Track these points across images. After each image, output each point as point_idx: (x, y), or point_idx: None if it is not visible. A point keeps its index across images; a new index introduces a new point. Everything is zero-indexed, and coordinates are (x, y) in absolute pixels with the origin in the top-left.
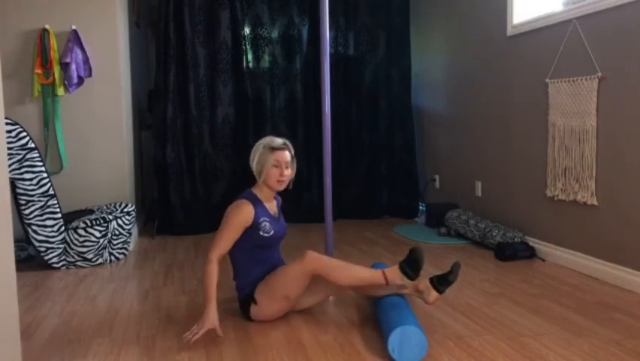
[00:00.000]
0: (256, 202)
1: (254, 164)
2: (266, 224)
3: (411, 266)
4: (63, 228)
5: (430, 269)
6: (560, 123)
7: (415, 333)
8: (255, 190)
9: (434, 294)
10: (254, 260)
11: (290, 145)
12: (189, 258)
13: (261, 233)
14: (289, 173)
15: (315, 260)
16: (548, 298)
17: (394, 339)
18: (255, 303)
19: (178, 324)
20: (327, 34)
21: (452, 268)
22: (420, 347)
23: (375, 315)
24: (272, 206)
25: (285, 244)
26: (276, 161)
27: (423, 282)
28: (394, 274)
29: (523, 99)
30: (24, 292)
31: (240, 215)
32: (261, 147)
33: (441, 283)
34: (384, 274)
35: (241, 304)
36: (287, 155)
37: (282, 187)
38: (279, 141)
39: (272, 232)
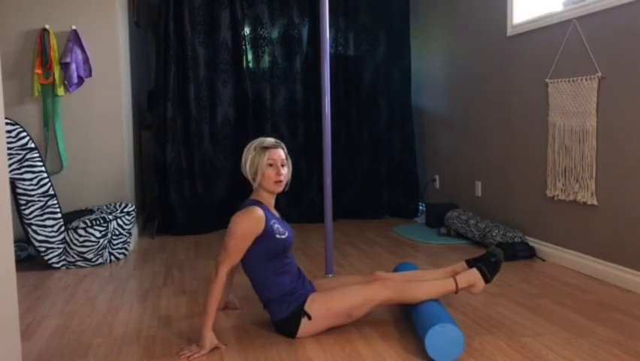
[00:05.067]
0: (263, 207)
1: (247, 167)
2: (278, 226)
3: (490, 268)
4: (63, 228)
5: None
6: (560, 123)
7: (459, 342)
8: (256, 197)
9: (481, 285)
10: (279, 270)
11: (282, 144)
12: (189, 258)
13: (277, 236)
14: (286, 172)
15: (391, 289)
16: (548, 298)
17: (440, 329)
18: (310, 318)
19: (178, 324)
20: (327, 34)
21: (493, 253)
22: (453, 352)
23: (405, 308)
24: (275, 212)
25: None
26: (270, 160)
27: (471, 272)
28: (468, 277)
29: (523, 99)
30: (24, 292)
31: (252, 220)
32: (252, 149)
33: (491, 271)
34: (455, 281)
35: (284, 323)
36: (281, 152)
37: (280, 188)
38: (270, 140)
39: (286, 233)
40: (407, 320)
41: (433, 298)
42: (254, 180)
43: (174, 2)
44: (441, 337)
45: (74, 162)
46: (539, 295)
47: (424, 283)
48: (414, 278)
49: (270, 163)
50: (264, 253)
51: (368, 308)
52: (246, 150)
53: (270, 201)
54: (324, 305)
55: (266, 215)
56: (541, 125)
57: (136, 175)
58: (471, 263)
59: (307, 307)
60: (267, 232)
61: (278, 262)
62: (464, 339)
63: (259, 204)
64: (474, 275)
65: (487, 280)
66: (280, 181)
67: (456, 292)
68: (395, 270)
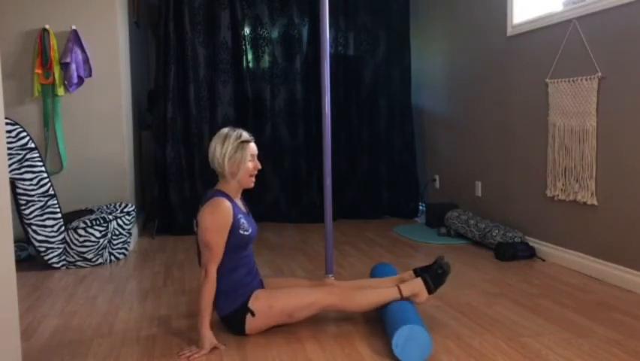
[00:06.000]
0: (229, 199)
1: (225, 161)
2: (244, 221)
3: (435, 280)
4: (63, 228)
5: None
6: (560, 123)
7: (422, 334)
8: (222, 188)
9: (425, 295)
10: (235, 264)
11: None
12: (189, 258)
13: (241, 232)
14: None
15: (336, 296)
16: (548, 298)
17: (401, 335)
18: (253, 315)
19: (178, 324)
20: (327, 34)
21: (440, 265)
22: (423, 349)
23: (378, 312)
24: (241, 204)
25: (284, 244)
26: (250, 155)
27: (416, 281)
28: (412, 286)
29: (523, 99)
30: (24, 292)
31: (220, 211)
32: (230, 143)
33: (435, 282)
34: (399, 290)
35: (229, 319)
36: (255, 146)
37: (253, 183)
38: (245, 133)
39: (250, 230)
40: None
41: (377, 306)
42: (233, 174)
43: (174, 2)
44: (406, 345)
45: (74, 162)
46: (539, 295)
47: (369, 292)
48: (361, 286)
49: (251, 159)
50: (227, 246)
51: (310, 312)
52: (219, 142)
53: (237, 193)
54: (267, 303)
55: (233, 208)
56: (541, 125)
57: (136, 175)
58: (418, 272)
59: (250, 304)
60: (234, 227)
61: (236, 256)
62: (425, 332)
63: (225, 195)
64: (418, 285)
65: (430, 291)
66: (254, 175)
67: (400, 299)
68: (372, 271)
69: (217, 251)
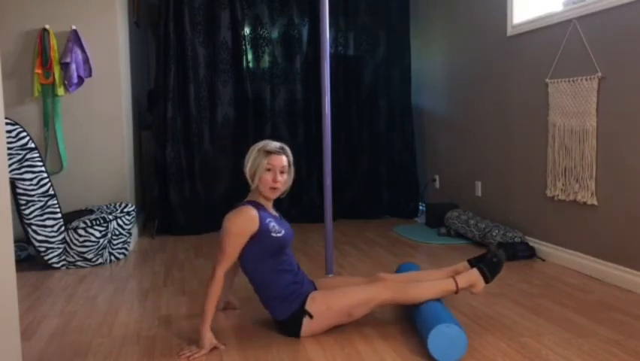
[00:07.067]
0: (257, 206)
1: (247, 167)
2: (274, 224)
3: (491, 269)
4: (63, 228)
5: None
6: (560, 123)
7: (462, 343)
8: (252, 198)
9: (482, 284)
10: (278, 268)
11: (288, 150)
12: (189, 258)
13: (272, 235)
14: (284, 179)
15: (392, 290)
16: (548, 298)
17: (449, 327)
18: (311, 317)
19: (178, 324)
20: (327, 34)
21: (495, 254)
22: (450, 355)
23: (410, 309)
24: (272, 211)
25: None
26: (269, 165)
27: (472, 272)
28: (469, 277)
29: (523, 99)
30: (24, 292)
31: (244, 218)
32: (256, 151)
33: (492, 271)
34: (455, 281)
35: (286, 323)
36: (283, 159)
37: (275, 195)
38: (275, 144)
39: (282, 231)
40: (407, 320)
41: (434, 298)
42: (252, 181)
43: (174, 2)
44: (444, 337)
45: (74, 162)
46: (539, 295)
47: (425, 284)
48: (415, 279)
49: (269, 168)
50: (261, 252)
51: (368, 308)
52: (250, 149)
53: (267, 204)
54: (325, 304)
55: (260, 214)
56: (541, 125)
57: (136, 175)
58: (472, 263)
59: (308, 306)
60: (263, 231)
61: (276, 260)
62: (467, 342)
63: (254, 203)
64: (474, 275)
65: (487, 281)
66: (276, 188)
67: (456, 292)
68: (397, 270)
69: (230, 254)
